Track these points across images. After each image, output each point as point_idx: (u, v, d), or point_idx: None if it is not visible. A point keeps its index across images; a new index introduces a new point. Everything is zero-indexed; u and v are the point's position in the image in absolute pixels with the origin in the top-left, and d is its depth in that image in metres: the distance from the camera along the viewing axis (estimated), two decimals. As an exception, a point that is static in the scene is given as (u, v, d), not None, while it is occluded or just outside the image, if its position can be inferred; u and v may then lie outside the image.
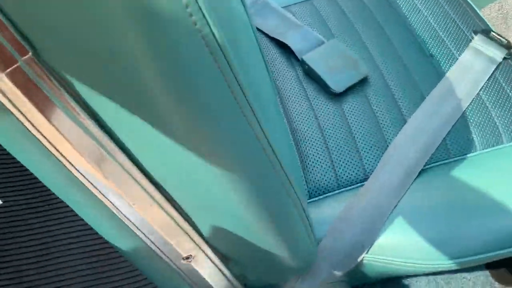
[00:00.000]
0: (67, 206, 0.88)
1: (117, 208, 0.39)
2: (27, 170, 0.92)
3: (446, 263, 0.59)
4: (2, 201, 0.92)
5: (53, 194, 0.88)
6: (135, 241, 0.44)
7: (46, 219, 0.89)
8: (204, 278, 0.50)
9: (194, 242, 0.45)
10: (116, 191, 0.37)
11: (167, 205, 0.40)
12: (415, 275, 0.85)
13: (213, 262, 0.48)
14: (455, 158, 0.65)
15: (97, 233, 0.41)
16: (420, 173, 0.64)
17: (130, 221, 0.40)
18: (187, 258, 0.46)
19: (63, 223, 0.87)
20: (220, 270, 0.50)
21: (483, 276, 0.85)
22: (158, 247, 0.45)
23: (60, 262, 0.83)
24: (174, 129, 0.31)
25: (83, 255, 0.84)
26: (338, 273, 0.60)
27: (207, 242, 0.46)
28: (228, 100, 0.32)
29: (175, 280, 0.51)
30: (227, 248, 0.49)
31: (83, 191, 0.37)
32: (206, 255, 0.47)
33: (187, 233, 0.43)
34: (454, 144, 0.66)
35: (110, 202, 0.38)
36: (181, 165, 0.35)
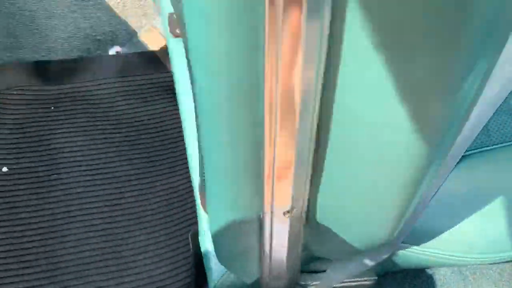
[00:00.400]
0: (73, 173, 0.82)
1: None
2: (32, 137, 0.87)
3: (486, 257, 0.55)
4: (7, 168, 0.89)
5: (61, 162, 0.81)
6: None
7: (51, 189, 0.87)
8: (285, 241, 0.43)
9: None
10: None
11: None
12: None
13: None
14: (497, 146, 0.60)
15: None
16: (461, 159, 0.59)
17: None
18: (289, 211, 0.39)
19: (67, 190, 0.86)
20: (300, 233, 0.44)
21: (509, 267, 0.82)
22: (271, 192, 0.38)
23: (64, 229, 0.81)
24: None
25: (84, 223, 0.81)
26: (369, 262, 0.56)
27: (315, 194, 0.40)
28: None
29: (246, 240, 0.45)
30: (335, 207, 0.42)
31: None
32: (304, 210, 0.41)
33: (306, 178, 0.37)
34: (496, 131, 0.61)
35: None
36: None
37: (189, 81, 0.72)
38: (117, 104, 0.96)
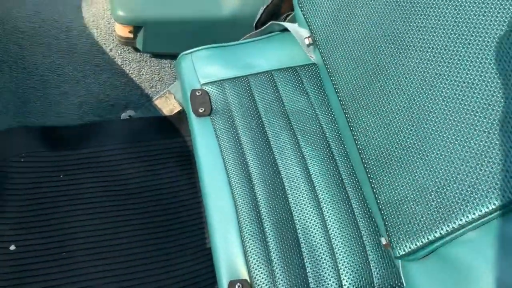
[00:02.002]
0: (81, 250, 0.77)
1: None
2: (41, 215, 0.82)
3: None
4: (14, 246, 0.84)
5: (68, 239, 0.76)
6: None
7: (62, 263, 0.82)
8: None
9: None
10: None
11: None
12: None
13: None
14: None
15: None
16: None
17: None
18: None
19: (80, 263, 0.81)
20: None
21: None
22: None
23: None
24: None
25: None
26: None
27: None
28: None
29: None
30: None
31: None
32: None
33: None
34: None
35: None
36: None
37: (212, 159, 0.70)
38: (127, 170, 0.93)
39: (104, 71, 0.95)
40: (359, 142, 0.60)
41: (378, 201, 0.55)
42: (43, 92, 0.92)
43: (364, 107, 0.61)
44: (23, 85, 0.91)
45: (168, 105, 0.99)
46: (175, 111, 0.98)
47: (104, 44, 0.94)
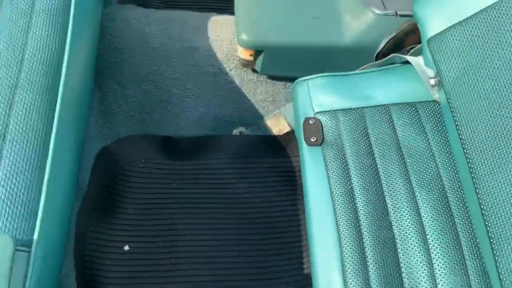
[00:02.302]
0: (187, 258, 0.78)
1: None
2: (153, 219, 0.87)
3: None
4: (128, 247, 0.92)
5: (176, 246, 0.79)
6: None
7: (169, 268, 0.87)
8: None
9: None
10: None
11: None
12: None
13: None
14: None
15: None
16: None
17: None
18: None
19: (184, 270, 0.85)
20: None
21: None
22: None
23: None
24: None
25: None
26: None
27: None
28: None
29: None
30: None
31: None
32: None
33: None
34: None
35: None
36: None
37: (320, 189, 0.70)
38: (234, 185, 0.97)
39: (222, 89, 0.99)
40: (484, 202, 0.56)
41: (499, 270, 0.51)
42: (166, 104, 0.99)
43: (494, 164, 0.57)
44: (149, 96, 0.99)
45: (278, 125, 1.00)
46: (284, 131, 1.00)
47: (225, 64, 0.98)
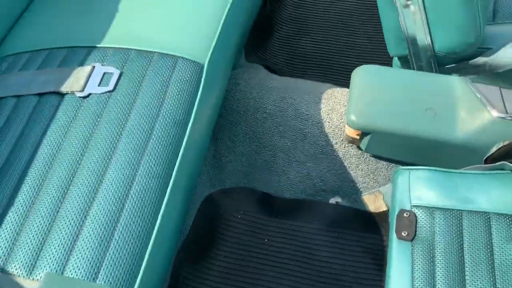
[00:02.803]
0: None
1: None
2: (241, 270, 0.94)
3: None
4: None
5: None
6: None
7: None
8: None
9: None
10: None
11: None
12: None
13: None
14: None
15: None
16: None
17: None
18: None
19: None
20: None
21: None
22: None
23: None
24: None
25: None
26: None
27: None
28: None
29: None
30: None
31: None
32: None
33: None
34: None
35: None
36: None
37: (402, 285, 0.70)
38: (323, 252, 0.99)
39: (325, 159, 1.04)
40: None
41: None
42: (271, 165, 1.06)
43: None
44: (257, 155, 1.07)
45: (375, 203, 1.02)
46: (381, 210, 1.01)
47: (332, 136, 1.03)
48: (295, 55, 1.29)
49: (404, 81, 0.92)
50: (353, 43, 1.30)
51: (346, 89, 1.06)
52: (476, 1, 0.83)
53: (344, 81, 1.13)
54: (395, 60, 1.03)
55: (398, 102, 0.90)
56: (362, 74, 0.95)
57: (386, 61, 1.11)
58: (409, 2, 0.88)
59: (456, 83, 0.90)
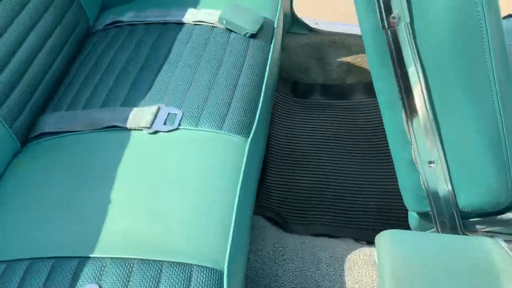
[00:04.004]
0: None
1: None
2: None
3: None
4: None
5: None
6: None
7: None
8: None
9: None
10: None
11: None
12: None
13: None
14: None
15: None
16: None
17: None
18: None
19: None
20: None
21: None
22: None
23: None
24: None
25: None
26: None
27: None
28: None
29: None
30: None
31: None
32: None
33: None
34: None
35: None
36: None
37: None
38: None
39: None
40: None
41: None
42: None
43: None
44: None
45: None
46: None
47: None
48: (292, 197, 1.22)
49: (437, 252, 0.85)
50: (356, 181, 1.25)
51: (367, 249, 0.97)
52: (506, 158, 0.79)
53: (356, 229, 1.05)
54: (412, 213, 0.97)
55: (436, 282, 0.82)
56: (389, 245, 0.87)
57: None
58: (432, 165, 0.83)
59: (490, 247, 0.84)
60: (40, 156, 0.93)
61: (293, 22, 1.49)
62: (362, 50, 1.48)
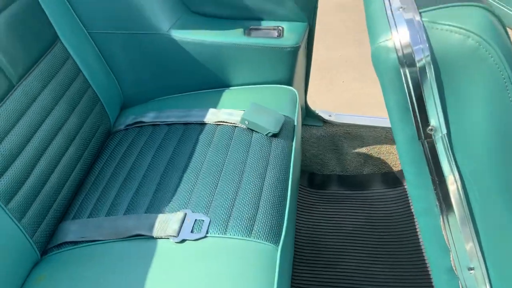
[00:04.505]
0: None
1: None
2: None
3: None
4: None
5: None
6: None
7: None
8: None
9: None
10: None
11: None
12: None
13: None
14: None
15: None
16: None
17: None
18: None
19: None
20: None
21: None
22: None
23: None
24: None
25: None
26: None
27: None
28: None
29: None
30: None
31: None
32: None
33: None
34: None
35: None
36: None
37: None
38: None
39: None
40: None
41: None
42: None
43: None
44: None
45: None
46: None
47: None
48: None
49: None
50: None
51: None
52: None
53: None
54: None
55: None
56: None
57: None
58: (472, 272, 0.80)
59: None
60: (62, 268, 0.89)
61: (307, 115, 1.51)
62: (377, 141, 1.49)
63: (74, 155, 1.06)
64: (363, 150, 1.51)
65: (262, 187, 0.99)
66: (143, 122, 1.22)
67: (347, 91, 2.30)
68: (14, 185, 0.89)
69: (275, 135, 1.13)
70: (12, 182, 0.88)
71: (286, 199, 1.01)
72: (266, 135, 1.12)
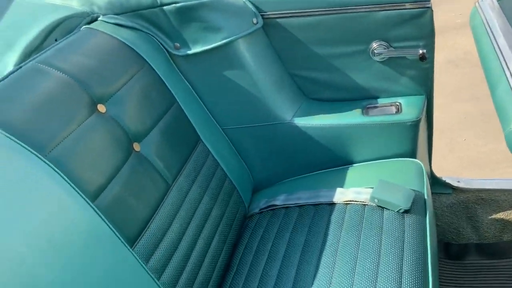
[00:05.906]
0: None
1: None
2: None
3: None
4: None
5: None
6: None
7: None
8: None
9: None
10: None
11: None
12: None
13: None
14: None
15: None
16: None
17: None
18: None
19: None
20: None
21: None
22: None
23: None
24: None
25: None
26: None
27: None
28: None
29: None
30: None
31: None
32: None
33: None
34: None
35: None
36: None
37: None
38: None
39: None
40: None
41: None
42: None
43: None
44: None
45: None
46: None
47: None
48: None
49: None
50: None
51: None
52: None
53: None
54: None
55: None
56: None
57: None
58: None
59: None
60: None
61: (434, 183, 1.49)
62: (514, 205, 1.42)
63: (219, 239, 1.17)
64: (500, 215, 1.44)
65: (402, 267, 1.00)
66: (276, 205, 1.30)
67: (470, 149, 2.22)
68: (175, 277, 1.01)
69: (406, 211, 1.14)
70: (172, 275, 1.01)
71: (428, 276, 1.00)
72: (397, 211, 1.14)
